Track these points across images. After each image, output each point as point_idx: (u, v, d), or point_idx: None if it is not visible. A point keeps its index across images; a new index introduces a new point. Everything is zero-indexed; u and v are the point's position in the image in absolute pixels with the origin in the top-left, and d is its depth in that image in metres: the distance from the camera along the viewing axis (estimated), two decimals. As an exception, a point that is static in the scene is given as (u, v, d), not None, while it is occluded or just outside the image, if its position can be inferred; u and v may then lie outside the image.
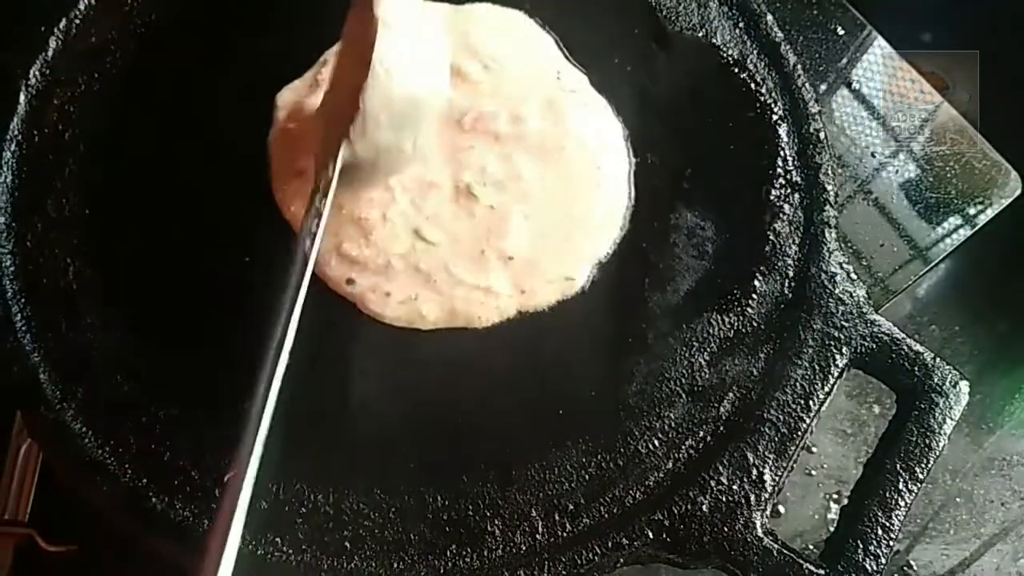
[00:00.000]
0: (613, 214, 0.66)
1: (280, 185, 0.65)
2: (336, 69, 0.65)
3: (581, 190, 0.66)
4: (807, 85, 0.69)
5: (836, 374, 0.62)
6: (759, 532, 0.58)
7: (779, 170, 0.67)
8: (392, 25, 0.56)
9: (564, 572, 0.57)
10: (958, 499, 0.83)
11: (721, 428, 0.61)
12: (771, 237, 0.66)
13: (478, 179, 0.65)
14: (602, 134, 0.68)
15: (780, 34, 0.71)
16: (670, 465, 0.60)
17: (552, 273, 0.64)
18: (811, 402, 0.61)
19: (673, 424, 0.61)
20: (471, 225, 0.65)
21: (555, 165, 0.66)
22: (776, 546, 0.58)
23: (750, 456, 0.60)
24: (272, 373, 0.49)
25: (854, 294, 0.64)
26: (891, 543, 0.59)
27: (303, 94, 0.68)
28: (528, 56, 0.70)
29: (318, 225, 0.56)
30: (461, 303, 0.63)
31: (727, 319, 0.64)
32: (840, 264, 0.65)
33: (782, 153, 0.68)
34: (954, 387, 0.62)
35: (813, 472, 0.81)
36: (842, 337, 0.63)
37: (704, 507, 0.59)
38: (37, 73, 0.68)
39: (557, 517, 0.59)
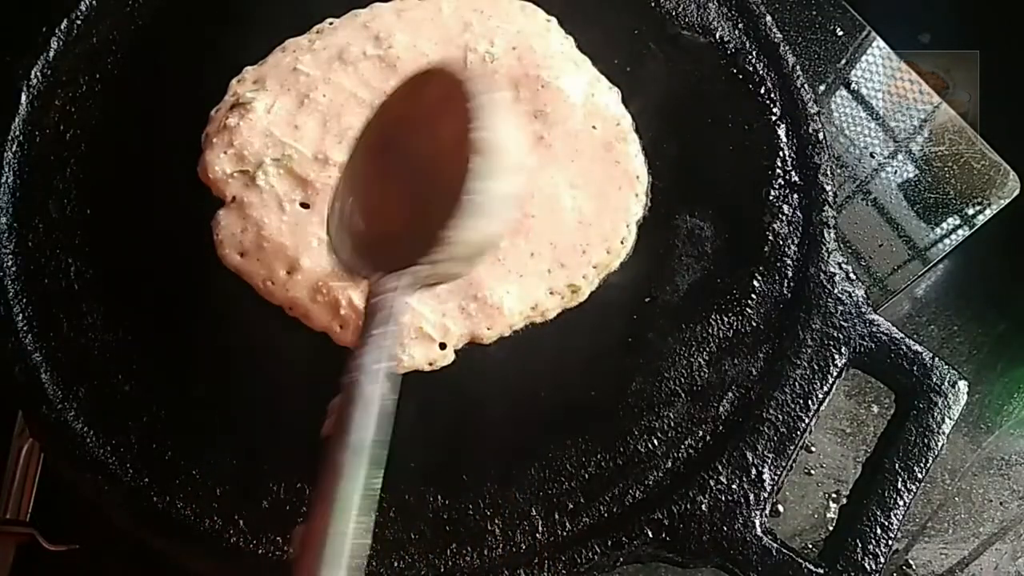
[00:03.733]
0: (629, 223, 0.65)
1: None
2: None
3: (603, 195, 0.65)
4: (806, 86, 0.70)
5: (835, 374, 0.62)
6: (758, 531, 0.59)
7: (778, 170, 0.67)
8: (493, 152, 0.47)
9: (564, 571, 0.57)
10: (957, 498, 0.83)
11: (720, 427, 0.61)
12: (770, 237, 0.66)
13: None
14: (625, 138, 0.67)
15: (779, 35, 0.71)
16: (669, 464, 0.60)
17: (559, 284, 0.63)
18: (810, 401, 0.62)
19: (672, 423, 0.61)
20: None
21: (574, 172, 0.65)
22: (775, 545, 0.58)
23: (749, 455, 0.60)
24: None
25: (853, 294, 0.64)
26: (890, 542, 0.59)
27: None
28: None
29: None
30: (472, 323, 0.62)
31: (726, 319, 0.64)
32: (839, 264, 0.65)
33: (781, 153, 0.68)
34: (953, 387, 0.62)
35: (812, 471, 0.81)
36: (841, 337, 0.63)
37: (703, 506, 0.59)
38: (38, 73, 0.68)
39: (557, 516, 0.59)
